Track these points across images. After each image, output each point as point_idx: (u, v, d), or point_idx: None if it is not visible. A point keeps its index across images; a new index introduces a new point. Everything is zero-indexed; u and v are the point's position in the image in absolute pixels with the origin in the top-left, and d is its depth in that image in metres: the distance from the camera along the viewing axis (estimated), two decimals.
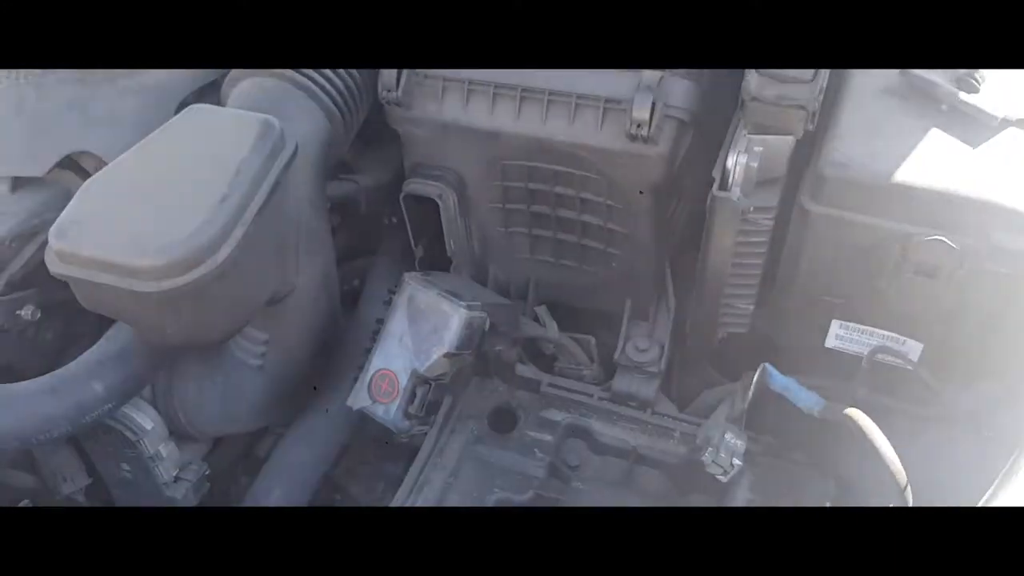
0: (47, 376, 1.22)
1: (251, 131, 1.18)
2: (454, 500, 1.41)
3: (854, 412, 1.20)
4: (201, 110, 1.24)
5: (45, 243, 1.30)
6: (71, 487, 1.42)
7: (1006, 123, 1.18)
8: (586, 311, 1.57)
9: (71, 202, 1.13)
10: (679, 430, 1.47)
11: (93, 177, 1.16)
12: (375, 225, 1.70)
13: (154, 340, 1.21)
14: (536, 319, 1.53)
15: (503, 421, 1.52)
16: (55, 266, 1.11)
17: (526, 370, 1.54)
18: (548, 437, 1.49)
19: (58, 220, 1.11)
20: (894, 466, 1.19)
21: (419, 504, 1.38)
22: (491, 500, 1.41)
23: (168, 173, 1.16)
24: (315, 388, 1.49)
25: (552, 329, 1.52)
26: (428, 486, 1.42)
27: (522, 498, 1.41)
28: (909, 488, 1.18)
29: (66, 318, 1.42)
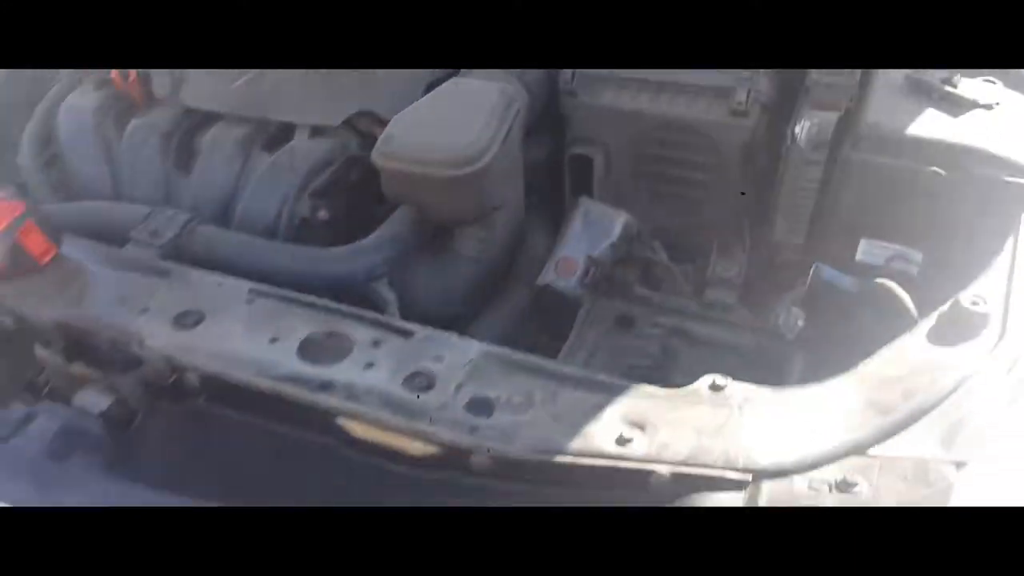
0: (346, 247, 1.82)
1: (495, 92, 1.83)
2: (596, 365, 2.00)
3: (885, 281, 1.82)
4: (459, 81, 1.89)
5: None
6: None
7: (975, 104, 1.86)
8: (686, 245, 2.21)
9: (388, 126, 1.77)
10: (752, 326, 2.08)
11: (399, 113, 1.80)
12: None
13: (431, 215, 1.82)
14: (652, 251, 2.16)
15: (624, 325, 2.12)
16: (381, 161, 1.73)
17: (641, 290, 2.15)
18: (658, 332, 2.09)
19: (383, 134, 1.75)
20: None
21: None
22: (624, 364, 2.00)
23: (447, 110, 1.81)
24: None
25: (663, 257, 2.15)
26: (576, 355, 2.02)
27: (645, 362, 2.00)
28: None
29: (331, 234, 2.01)
